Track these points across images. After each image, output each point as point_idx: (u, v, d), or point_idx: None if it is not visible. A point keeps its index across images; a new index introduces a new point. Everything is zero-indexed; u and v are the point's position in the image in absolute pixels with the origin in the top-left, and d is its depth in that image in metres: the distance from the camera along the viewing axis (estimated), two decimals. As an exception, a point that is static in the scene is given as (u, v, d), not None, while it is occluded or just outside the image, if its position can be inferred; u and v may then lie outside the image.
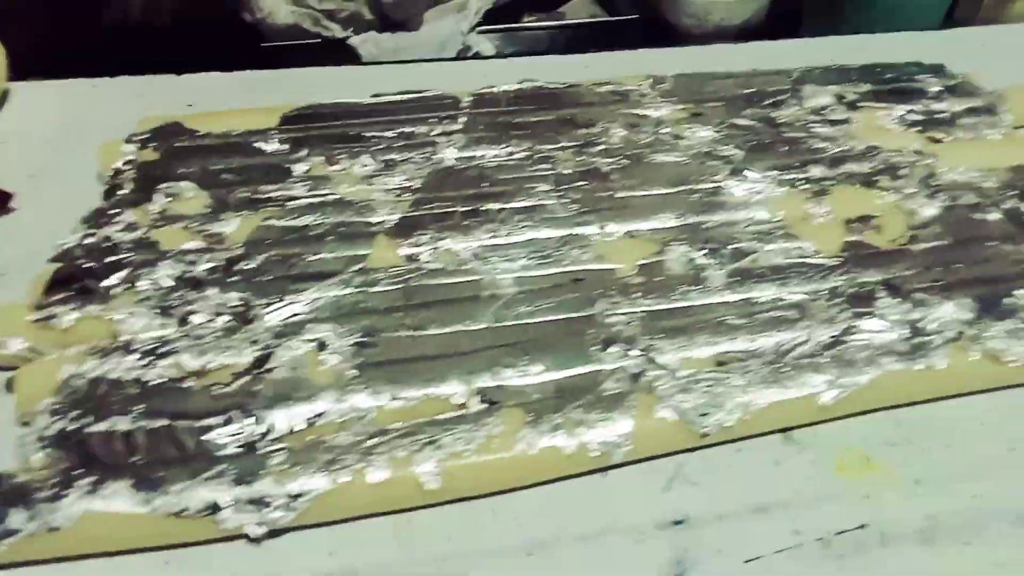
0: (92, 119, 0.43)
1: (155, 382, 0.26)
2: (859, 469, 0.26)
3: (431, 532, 0.24)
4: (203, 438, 0.24)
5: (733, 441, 0.26)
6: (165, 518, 0.22)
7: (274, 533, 0.23)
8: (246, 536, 0.23)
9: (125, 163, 0.37)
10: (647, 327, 0.28)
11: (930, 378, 0.27)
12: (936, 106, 0.42)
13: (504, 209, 0.34)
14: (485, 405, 0.26)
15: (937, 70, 0.45)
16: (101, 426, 0.25)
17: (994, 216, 0.34)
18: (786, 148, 0.38)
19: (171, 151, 0.37)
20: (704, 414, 0.25)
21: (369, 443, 0.24)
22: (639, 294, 0.30)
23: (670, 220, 0.34)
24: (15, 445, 0.24)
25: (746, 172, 0.36)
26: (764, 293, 0.30)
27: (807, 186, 0.35)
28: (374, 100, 0.42)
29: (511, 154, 0.38)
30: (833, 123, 0.40)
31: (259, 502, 0.23)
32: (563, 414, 0.25)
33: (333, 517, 0.24)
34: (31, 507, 0.22)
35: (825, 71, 0.45)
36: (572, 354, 0.27)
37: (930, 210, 0.34)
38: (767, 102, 0.42)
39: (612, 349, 0.27)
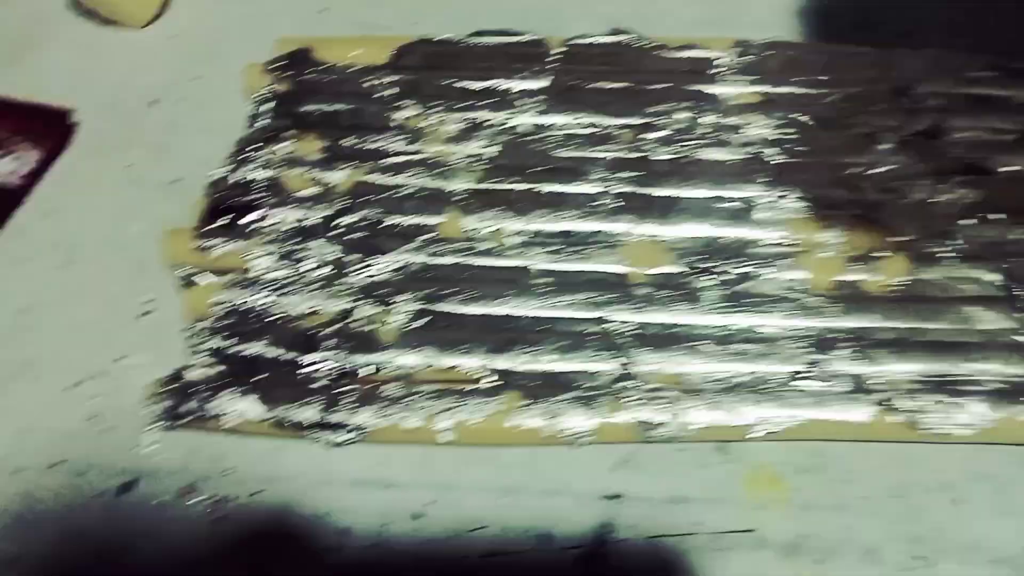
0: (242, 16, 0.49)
1: (273, 316, 0.35)
2: (765, 485, 0.32)
3: (444, 464, 0.33)
4: (302, 370, 0.34)
5: (678, 442, 0.33)
6: (278, 426, 0.33)
7: (341, 444, 0.33)
8: (326, 442, 0.33)
9: (265, 91, 0.43)
10: (636, 337, 0.34)
11: (850, 429, 0.32)
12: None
13: (558, 194, 0.39)
14: (495, 383, 0.34)
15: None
16: (238, 347, 0.34)
17: (990, 277, 0.35)
18: (826, 163, 0.39)
19: (301, 84, 0.43)
20: (653, 428, 0.32)
21: (409, 398, 0.33)
22: (643, 304, 0.35)
23: (695, 229, 0.37)
24: (183, 348, 0.35)
25: (780, 186, 0.38)
26: (743, 320, 0.35)
27: (830, 211, 0.37)
28: (473, 41, 0.45)
29: (580, 125, 0.41)
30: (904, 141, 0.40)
31: (334, 426, 0.33)
32: (548, 403, 0.33)
33: (381, 441, 0.33)
34: (196, 399, 0.33)
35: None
36: (572, 351, 0.34)
37: (932, 264, 0.36)
38: (848, 92, 0.42)
39: (603, 353, 0.34)
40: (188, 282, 0.37)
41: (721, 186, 0.38)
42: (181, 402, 0.33)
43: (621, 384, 0.33)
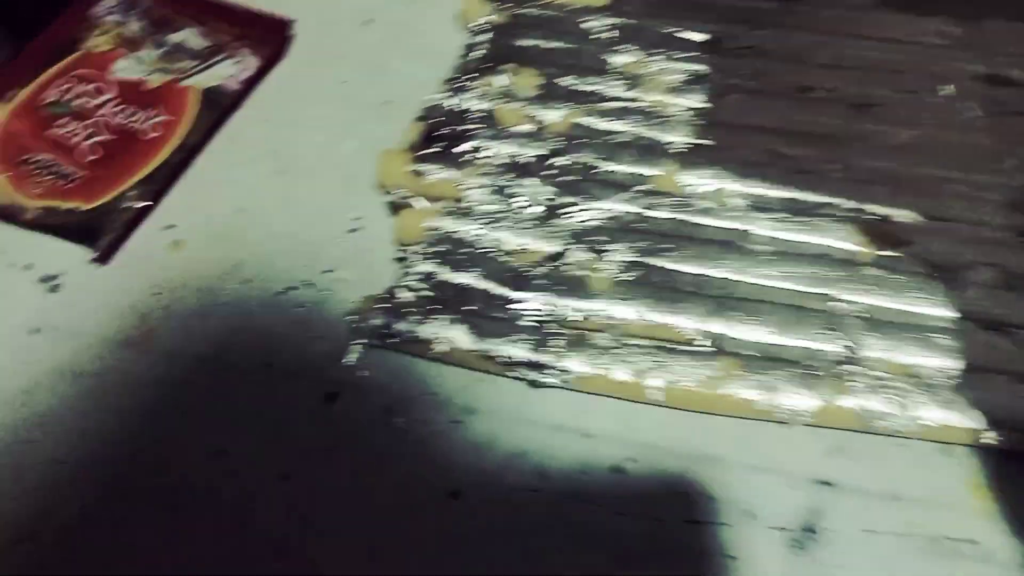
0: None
1: (484, 249, 0.35)
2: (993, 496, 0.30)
3: (646, 421, 0.32)
4: (512, 306, 0.33)
5: (901, 436, 0.31)
6: (484, 358, 0.33)
7: (546, 386, 0.33)
8: (529, 381, 0.33)
9: (483, 21, 0.42)
10: (864, 320, 0.32)
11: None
12: None
13: (784, 155, 0.36)
14: (710, 347, 0.32)
15: None
16: (449, 275, 0.34)
17: None
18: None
19: (519, 18, 0.42)
20: (877, 418, 0.30)
21: (618, 350, 0.32)
22: (873, 286, 0.33)
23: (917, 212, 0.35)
24: (390, 269, 0.35)
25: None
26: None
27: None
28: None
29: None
30: None
31: (541, 366, 0.32)
32: (767, 375, 0.31)
33: (585, 390, 0.33)
34: (406, 321, 0.33)
35: None
36: (793, 325, 0.32)
37: None
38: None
39: (827, 332, 0.32)
40: (401, 205, 0.37)
41: (964, 171, 0.36)
42: (390, 322, 0.33)
43: (845, 367, 0.31)
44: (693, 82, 0.39)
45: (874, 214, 0.35)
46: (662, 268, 0.34)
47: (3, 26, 0.44)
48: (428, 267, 0.34)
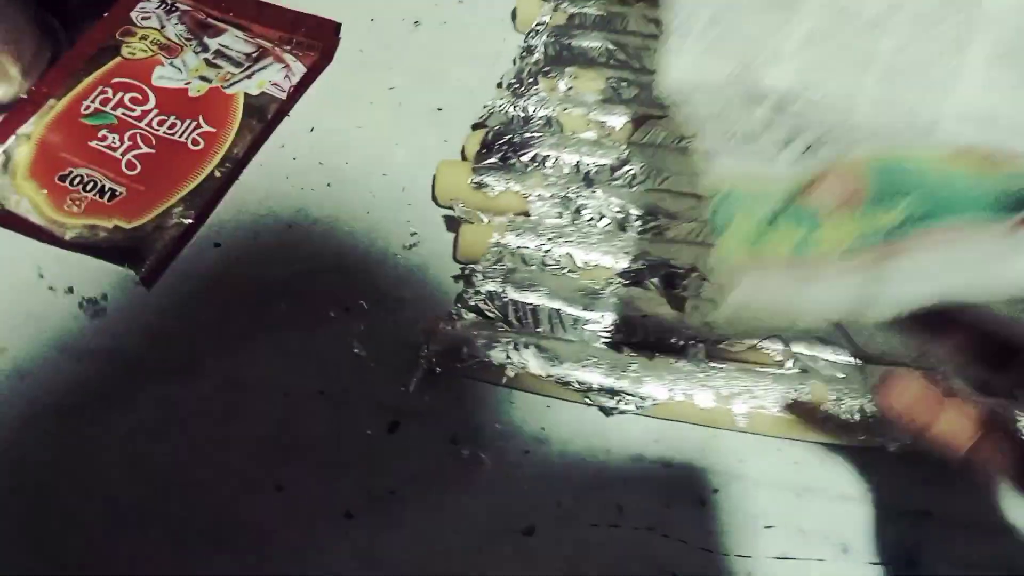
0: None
1: (551, 266, 0.33)
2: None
3: (729, 449, 0.31)
4: (584, 328, 0.32)
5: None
6: (555, 384, 0.31)
7: (621, 412, 0.31)
8: (601, 407, 0.31)
9: (540, 22, 0.40)
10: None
11: None
12: None
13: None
14: (798, 371, 0.31)
15: None
16: (516, 295, 0.33)
17: None
18: None
19: (577, 18, 0.40)
20: (986, 447, 0.29)
21: (701, 375, 0.31)
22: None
23: None
24: (456, 289, 0.33)
25: None
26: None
27: None
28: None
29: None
30: None
31: (617, 392, 0.31)
32: (859, 400, 0.30)
33: (664, 417, 0.31)
34: (473, 345, 0.32)
35: None
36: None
37: None
38: None
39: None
40: (462, 219, 0.35)
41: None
42: (456, 346, 0.32)
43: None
44: (765, 84, 0.37)
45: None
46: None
47: (41, 32, 0.42)
48: (493, 286, 0.33)
